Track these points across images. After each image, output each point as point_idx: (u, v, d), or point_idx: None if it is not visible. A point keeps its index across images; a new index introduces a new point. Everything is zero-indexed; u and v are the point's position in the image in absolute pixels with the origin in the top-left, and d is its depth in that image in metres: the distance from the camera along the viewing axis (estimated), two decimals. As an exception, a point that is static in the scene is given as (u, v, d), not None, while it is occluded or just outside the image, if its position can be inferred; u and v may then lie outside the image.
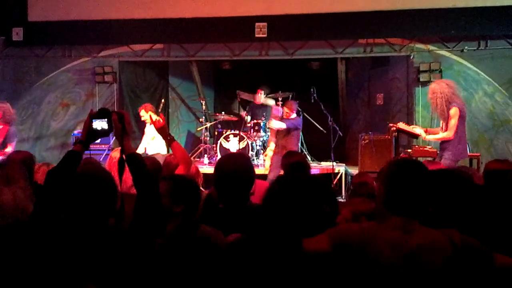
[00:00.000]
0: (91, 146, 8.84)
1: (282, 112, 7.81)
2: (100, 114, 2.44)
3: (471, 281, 2.08)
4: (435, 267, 2.03)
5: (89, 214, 2.10)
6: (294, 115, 7.67)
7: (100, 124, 2.43)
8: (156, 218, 2.26)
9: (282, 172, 7.03)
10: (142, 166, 2.37)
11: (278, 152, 7.31)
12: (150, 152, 7.54)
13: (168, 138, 3.52)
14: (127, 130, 2.41)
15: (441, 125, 6.08)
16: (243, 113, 9.82)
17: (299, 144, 7.66)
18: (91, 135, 2.44)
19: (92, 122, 2.42)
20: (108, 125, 2.42)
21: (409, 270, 2.03)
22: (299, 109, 8.38)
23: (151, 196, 2.25)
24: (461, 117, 5.85)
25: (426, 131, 6.30)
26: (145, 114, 7.65)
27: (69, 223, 2.09)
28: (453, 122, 5.79)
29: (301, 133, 8.22)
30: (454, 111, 5.79)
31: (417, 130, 6.42)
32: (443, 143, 5.96)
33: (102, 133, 2.45)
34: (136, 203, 2.24)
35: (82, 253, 1.97)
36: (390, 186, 2.13)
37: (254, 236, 2.22)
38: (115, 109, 9.45)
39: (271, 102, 9.66)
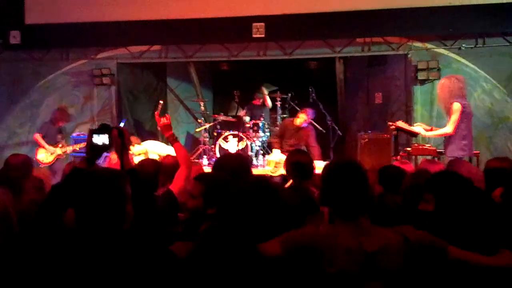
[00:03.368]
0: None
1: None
2: (100, 129, 2.52)
3: (426, 275, 2.10)
4: (392, 267, 2.06)
5: (102, 216, 2.03)
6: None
7: (100, 139, 2.50)
8: (151, 229, 2.24)
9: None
10: (139, 182, 2.37)
11: None
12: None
13: (171, 137, 3.47)
14: (126, 145, 2.46)
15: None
16: (242, 112, 9.81)
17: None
18: (93, 150, 2.50)
19: (92, 136, 2.47)
20: (108, 140, 2.50)
21: (366, 273, 2.04)
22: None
23: (145, 210, 2.24)
24: (464, 114, 5.81)
25: (431, 129, 6.22)
26: (133, 148, 7.49)
27: (80, 231, 2.04)
28: (454, 117, 5.75)
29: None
30: (456, 107, 5.76)
31: (416, 128, 6.39)
32: (447, 139, 5.90)
33: (103, 148, 2.52)
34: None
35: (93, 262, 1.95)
36: (329, 191, 2.17)
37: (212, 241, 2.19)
38: (114, 111, 9.53)
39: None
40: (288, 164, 3.87)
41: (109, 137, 2.49)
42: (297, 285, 2.11)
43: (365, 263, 2.03)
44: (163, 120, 3.52)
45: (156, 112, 4.21)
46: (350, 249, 2.04)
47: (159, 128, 3.61)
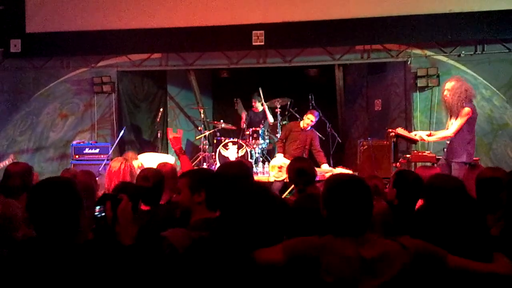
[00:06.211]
0: (90, 157, 8.89)
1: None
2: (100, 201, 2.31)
3: (425, 283, 2.11)
4: (391, 275, 2.05)
5: (54, 227, 2.07)
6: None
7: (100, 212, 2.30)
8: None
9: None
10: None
11: None
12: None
13: (179, 150, 3.72)
14: (118, 218, 2.27)
15: (447, 124, 5.92)
16: (243, 113, 9.81)
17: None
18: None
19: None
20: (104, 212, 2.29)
21: (365, 281, 2.05)
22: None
23: None
24: (472, 118, 5.73)
25: (429, 135, 6.20)
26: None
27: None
28: (460, 121, 5.66)
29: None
30: (466, 111, 5.65)
31: (418, 134, 6.35)
32: (452, 145, 5.80)
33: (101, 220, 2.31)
34: None
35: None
36: (331, 211, 2.16)
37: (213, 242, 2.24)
38: (114, 119, 9.52)
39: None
40: (291, 170, 3.88)
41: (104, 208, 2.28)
42: None
43: (362, 270, 2.04)
44: (174, 134, 3.73)
45: (167, 128, 4.40)
46: (348, 257, 2.06)
47: (159, 134, 3.72)
